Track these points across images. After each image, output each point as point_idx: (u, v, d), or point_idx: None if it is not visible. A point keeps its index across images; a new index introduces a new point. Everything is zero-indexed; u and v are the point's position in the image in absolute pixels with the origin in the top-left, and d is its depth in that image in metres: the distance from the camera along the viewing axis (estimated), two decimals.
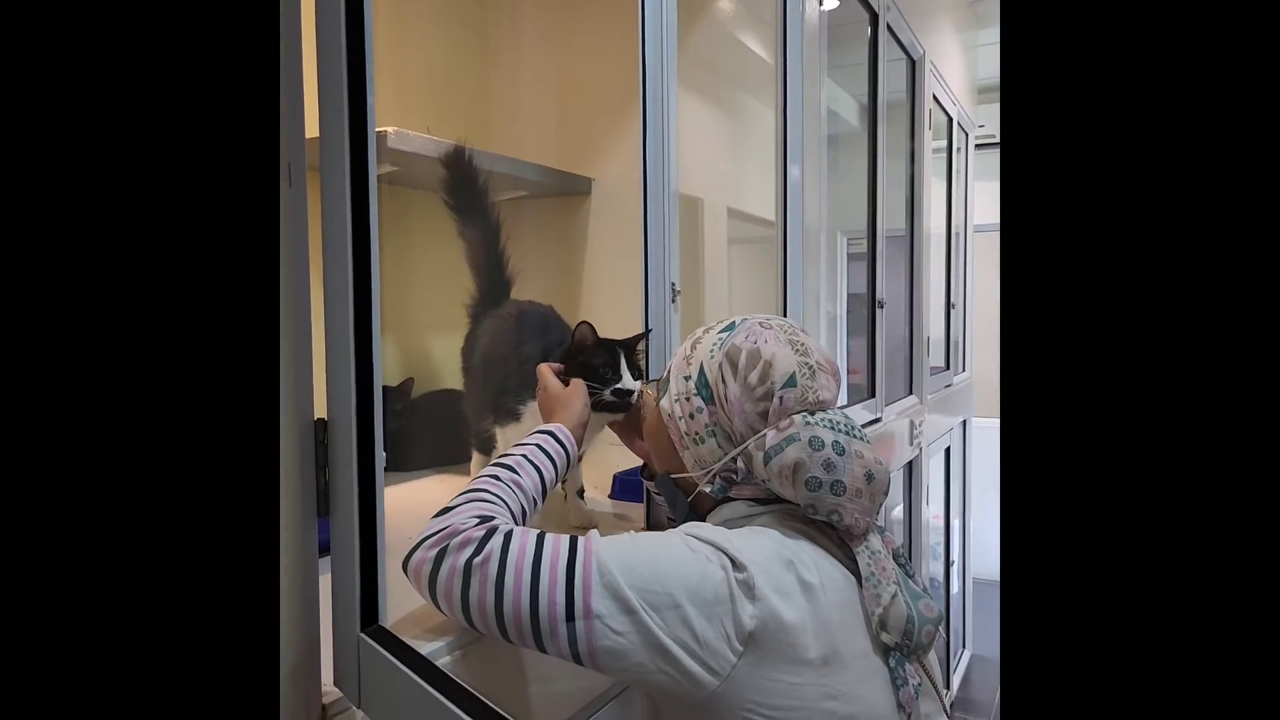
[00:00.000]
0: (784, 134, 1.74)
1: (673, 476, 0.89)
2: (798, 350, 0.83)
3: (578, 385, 1.00)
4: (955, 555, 3.62)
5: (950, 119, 3.32)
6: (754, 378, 0.81)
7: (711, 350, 0.85)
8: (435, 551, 0.67)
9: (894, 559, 0.80)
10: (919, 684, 0.77)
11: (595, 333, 1.07)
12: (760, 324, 0.86)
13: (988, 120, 4.02)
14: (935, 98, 2.92)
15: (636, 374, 1.07)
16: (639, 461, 1.07)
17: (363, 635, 0.60)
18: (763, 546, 0.74)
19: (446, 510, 0.72)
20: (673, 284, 1.10)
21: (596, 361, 1.05)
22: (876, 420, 2.18)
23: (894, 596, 0.76)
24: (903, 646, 0.75)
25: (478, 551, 0.67)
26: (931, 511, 3.14)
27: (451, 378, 1.65)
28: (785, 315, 1.78)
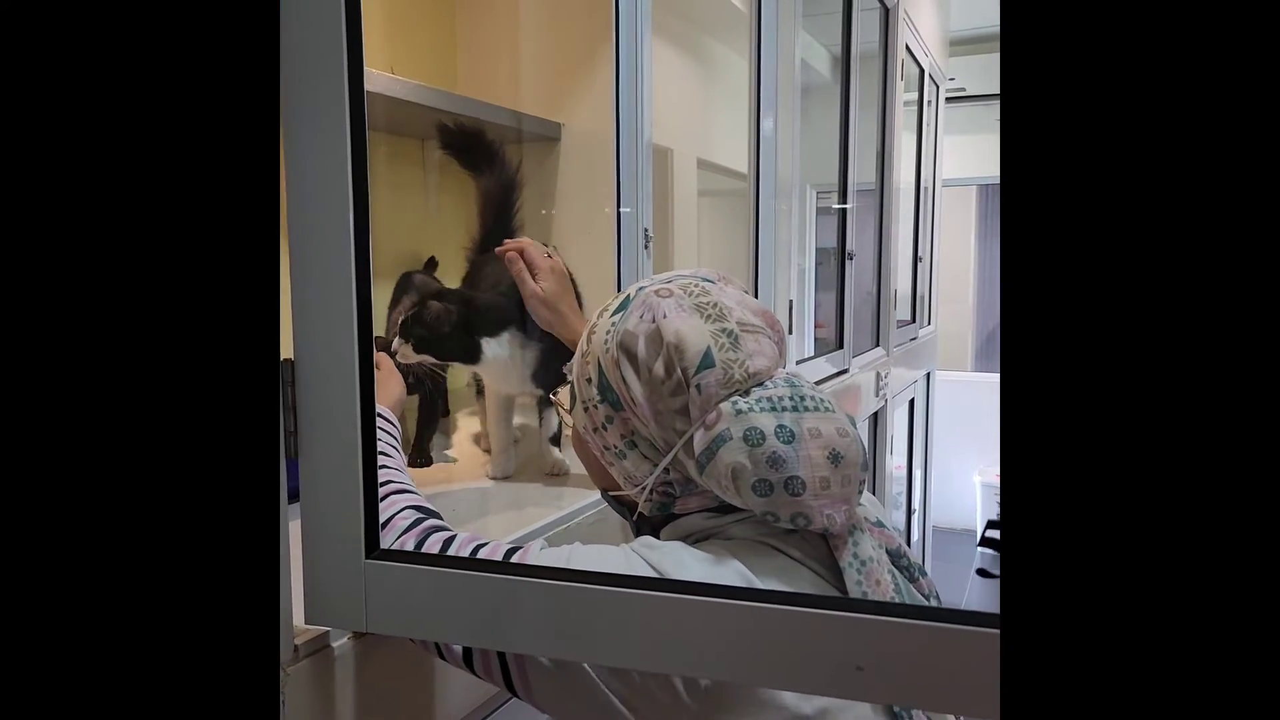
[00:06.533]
0: (757, 84, 1.72)
1: (611, 494, 0.74)
2: (709, 316, 0.65)
3: (387, 367, 0.93)
4: (916, 505, 3.71)
5: (922, 70, 3.31)
6: (659, 369, 0.64)
7: (605, 341, 0.68)
8: None
9: (894, 561, 0.66)
10: None
11: (425, 278, 1.00)
12: (657, 292, 0.67)
13: (958, 73, 4.01)
14: (908, 48, 2.90)
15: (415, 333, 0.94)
16: None
17: (369, 560, 0.61)
18: (727, 579, 0.60)
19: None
20: (645, 230, 1.09)
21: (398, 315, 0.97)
22: (844, 372, 2.20)
23: None
24: None
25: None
26: (895, 462, 3.21)
27: None
28: (756, 270, 1.77)
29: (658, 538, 0.69)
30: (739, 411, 0.62)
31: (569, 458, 1.14)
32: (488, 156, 1.22)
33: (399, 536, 0.67)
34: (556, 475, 1.10)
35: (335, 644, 0.66)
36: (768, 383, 0.64)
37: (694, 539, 0.67)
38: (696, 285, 0.68)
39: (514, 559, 0.64)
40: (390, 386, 0.90)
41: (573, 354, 0.93)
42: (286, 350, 0.63)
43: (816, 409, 0.63)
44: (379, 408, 0.83)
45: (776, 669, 0.52)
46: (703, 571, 0.61)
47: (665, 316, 0.65)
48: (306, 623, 0.64)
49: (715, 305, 0.66)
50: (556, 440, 1.15)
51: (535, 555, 0.63)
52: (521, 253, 0.96)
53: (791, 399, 0.63)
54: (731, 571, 0.61)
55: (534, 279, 0.94)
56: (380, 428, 0.81)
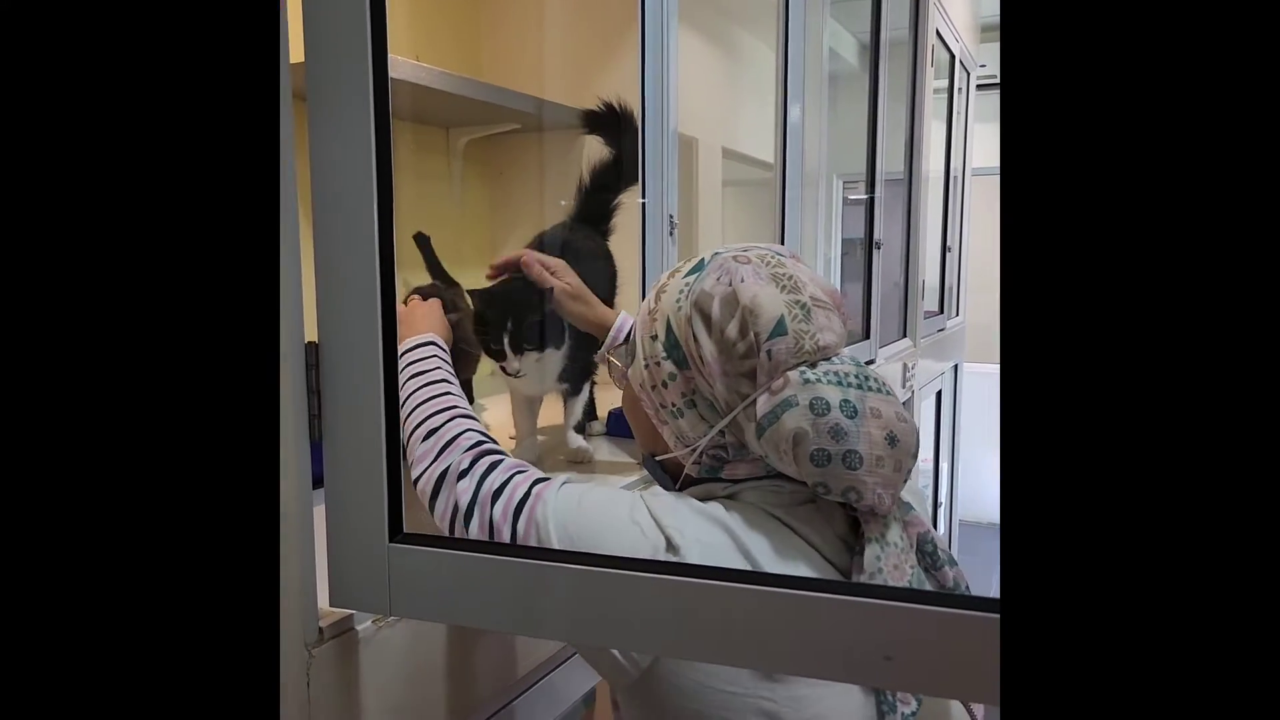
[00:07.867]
0: (784, 72, 1.70)
1: (656, 458, 0.75)
2: (784, 287, 0.67)
3: (427, 306, 0.93)
4: (943, 498, 3.68)
5: (952, 57, 3.26)
6: (732, 330, 0.66)
7: (678, 300, 0.69)
8: (436, 476, 0.70)
9: (919, 549, 0.67)
10: (913, 712, 0.64)
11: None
12: (735, 258, 0.69)
13: (990, 60, 3.94)
14: (939, 34, 2.86)
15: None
16: None
17: (393, 545, 0.62)
18: (714, 533, 0.63)
19: (437, 428, 0.72)
20: (670, 216, 1.09)
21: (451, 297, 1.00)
22: (870, 363, 2.19)
23: None
24: None
25: (461, 477, 0.69)
26: (921, 455, 3.17)
27: None
28: None
29: None
30: (806, 381, 0.64)
31: (592, 446, 1.14)
32: (630, 128, 1.22)
33: (462, 454, 0.70)
34: (579, 463, 1.11)
35: (360, 627, 0.67)
36: (834, 359, 0.67)
37: (704, 495, 0.70)
38: (773, 256, 0.70)
39: (538, 488, 0.67)
40: (436, 320, 0.90)
41: (600, 343, 0.95)
42: (311, 334, 0.63)
43: (879, 391, 0.66)
44: (430, 336, 0.84)
45: (803, 657, 0.52)
46: (691, 519, 0.64)
47: (743, 281, 0.67)
48: (331, 605, 0.64)
49: (790, 278, 0.68)
50: (580, 429, 1.15)
51: (556, 488, 0.67)
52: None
53: (857, 377, 0.65)
54: (715, 524, 0.64)
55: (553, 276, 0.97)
56: (438, 356, 0.82)
